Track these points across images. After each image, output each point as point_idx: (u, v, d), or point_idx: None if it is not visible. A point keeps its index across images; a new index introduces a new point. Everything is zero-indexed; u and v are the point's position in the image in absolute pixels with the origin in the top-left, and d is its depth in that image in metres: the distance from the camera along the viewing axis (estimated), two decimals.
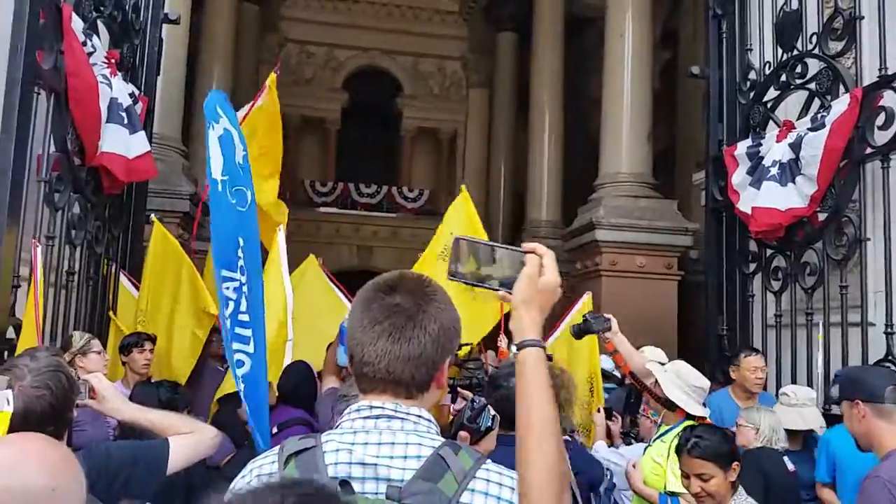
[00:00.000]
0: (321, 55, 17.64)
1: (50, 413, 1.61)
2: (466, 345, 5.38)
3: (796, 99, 4.77)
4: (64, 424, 1.68)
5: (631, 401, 5.88)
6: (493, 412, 1.70)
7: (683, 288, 8.61)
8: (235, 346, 2.87)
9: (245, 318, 2.84)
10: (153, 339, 4.21)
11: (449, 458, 1.16)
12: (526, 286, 1.25)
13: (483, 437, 1.67)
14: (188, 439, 2.00)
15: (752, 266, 4.98)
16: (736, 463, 2.51)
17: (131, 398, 3.35)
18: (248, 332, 2.85)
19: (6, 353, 2.91)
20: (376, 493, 1.15)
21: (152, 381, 4.12)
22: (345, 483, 1.12)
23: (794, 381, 4.47)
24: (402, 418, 1.21)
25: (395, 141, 18.15)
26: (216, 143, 2.86)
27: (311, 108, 17.33)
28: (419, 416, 1.22)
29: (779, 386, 4.61)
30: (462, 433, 1.45)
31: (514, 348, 1.26)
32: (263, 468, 1.22)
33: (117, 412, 2.09)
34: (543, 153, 12.50)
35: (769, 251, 4.84)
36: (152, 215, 4.86)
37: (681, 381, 3.15)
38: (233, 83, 12.03)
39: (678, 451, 2.61)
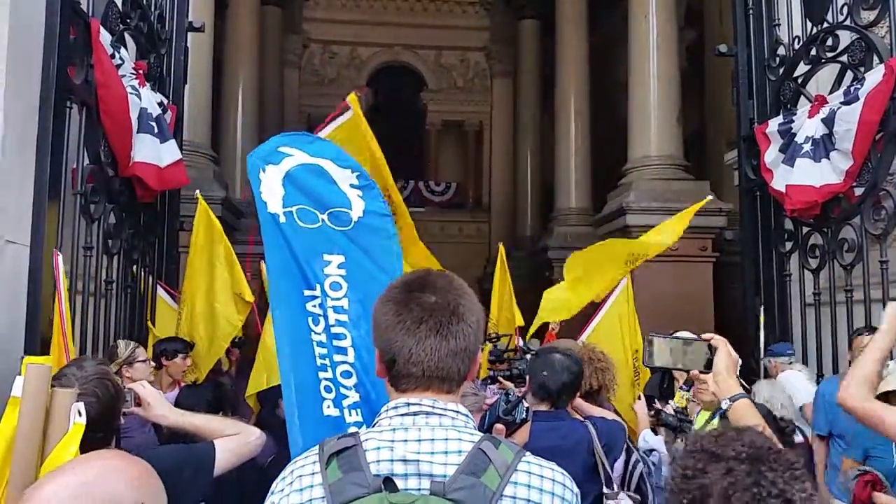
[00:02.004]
0: (344, 54, 17.72)
1: (98, 420, 1.66)
2: (506, 335, 5.40)
3: (828, 73, 4.67)
4: (112, 431, 1.73)
5: (664, 386, 5.86)
6: (527, 405, 1.70)
7: (719, 269, 8.50)
8: (337, 357, 2.87)
9: (340, 330, 2.83)
10: (192, 346, 4.32)
11: (490, 451, 1.18)
12: (726, 357, 1.69)
13: (518, 429, 1.67)
14: (233, 441, 2.03)
15: (789, 245, 4.90)
16: None
17: (178, 400, 3.43)
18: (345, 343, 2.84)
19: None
20: (419, 490, 1.16)
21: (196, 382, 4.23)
22: (388, 480, 1.13)
23: (834, 360, 4.41)
24: (441, 414, 1.23)
25: (421, 136, 18.17)
26: (277, 180, 2.88)
27: (335, 108, 17.43)
28: (456, 412, 1.25)
29: (818, 364, 4.55)
30: (497, 426, 1.46)
31: (726, 402, 1.66)
32: (305, 468, 1.21)
33: (163, 419, 2.13)
34: (570, 140, 12.41)
35: (805, 229, 4.76)
36: (196, 191, 5.00)
37: None
38: (258, 86, 12.14)
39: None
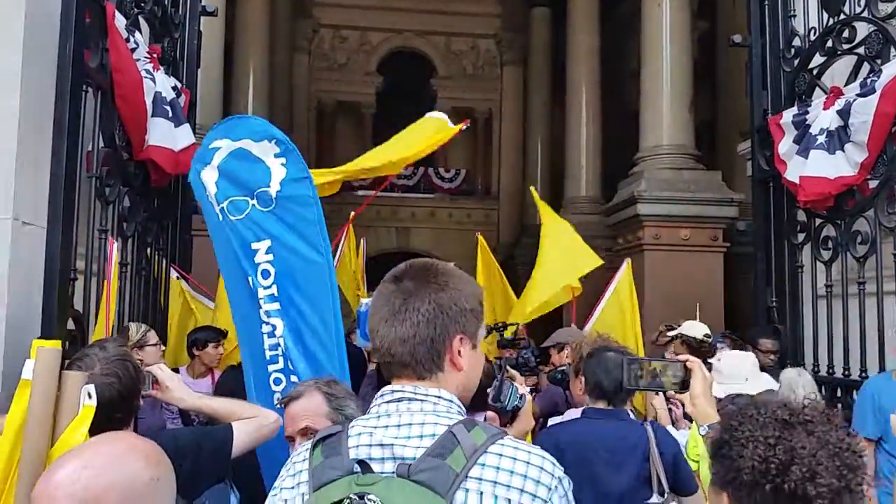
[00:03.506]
0: (354, 39, 17.67)
1: (118, 400, 1.68)
2: (512, 325, 5.41)
3: (843, 65, 4.64)
4: (131, 412, 1.75)
5: None
6: (521, 391, 1.64)
7: (730, 260, 8.49)
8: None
9: (275, 320, 2.74)
10: (225, 335, 4.37)
11: (460, 434, 1.17)
12: (702, 380, 1.73)
13: (515, 418, 1.58)
14: (250, 424, 2.06)
15: (801, 236, 4.88)
16: None
17: (220, 384, 3.45)
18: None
19: (67, 344, 3.01)
20: (393, 473, 1.17)
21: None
22: (363, 463, 1.16)
23: (845, 352, 4.40)
24: (422, 400, 1.25)
25: None
26: (212, 179, 2.84)
27: (346, 93, 17.42)
28: (438, 397, 1.25)
29: (829, 357, 4.54)
30: (489, 413, 1.41)
31: (704, 429, 1.69)
32: (299, 455, 1.27)
33: (181, 401, 2.16)
34: (581, 129, 12.36)
35: (818, 221, 4.74)
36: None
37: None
38: (269, 71, 12.13)
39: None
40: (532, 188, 6.90)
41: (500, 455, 1.16)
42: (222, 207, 2.80)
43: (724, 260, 8.46)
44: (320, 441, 1.24)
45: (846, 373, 4.41)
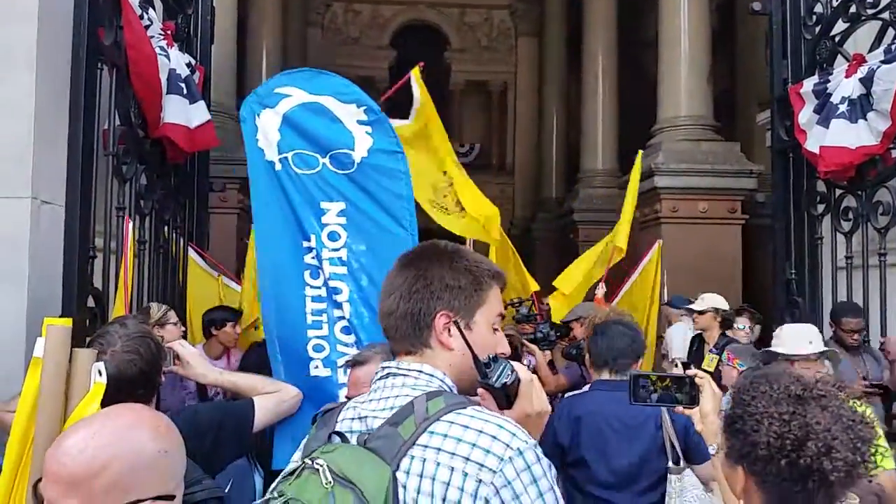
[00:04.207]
0: (367, 13, 17.53)
1: (140, 377, 1.70)
2: (528, 300, 5.41)
3: (866, 31, 4.54)
4: (153, 388, 1.77)
5: (694, 349, 5.86)
6: (511, 369, 1.38)
7: (748, 232, 8.41)
8: (337, 312, 2.63)
9: (337, 283, 2.59)
10: (241, 314, 4.41)
11: (417, 404, 1.19)
12: (711, 397, 1.67)
13: (515, 398, 1.33)
14: (271, 399, 2.09)
15: (821, 207, 4.82)
16: None
17: (246, 359, 3.48)
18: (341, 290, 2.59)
19: (87, 321, 3.05)
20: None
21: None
22: (340, 434, 1.22)
23: (866, 324, 4.37)
24: (404, 374, 1.27)
25: (445, 96, 18.00)
26: (273, 124, 2.71)
27: (359, 68, 17.27)
28: (420, 372, 1.26)
29: None
30: (480, 392, 1.29)
31: (713, 448, 1.61)
32: (310, 428, 1.36)
33: (202, 377, 2.19)
34: (597, 100, 12.23)
35: (839, 191, 4.68)
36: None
37: None
38: (282, 46, 12.08)
39: None
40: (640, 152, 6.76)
41: (452, 423, 1.15)
42: (285, 157, 2.66)
43: (743, 232, 8.38)
44: (320, 415, 1.32)
45: (866, 345, 4.38)
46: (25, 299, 2.83)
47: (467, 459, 1.11)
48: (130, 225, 3.04)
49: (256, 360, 3.33)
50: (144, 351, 1.71)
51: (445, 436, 1.13)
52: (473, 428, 1.14)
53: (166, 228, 4.26)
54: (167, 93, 3.81)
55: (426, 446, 1.13)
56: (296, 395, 2.16)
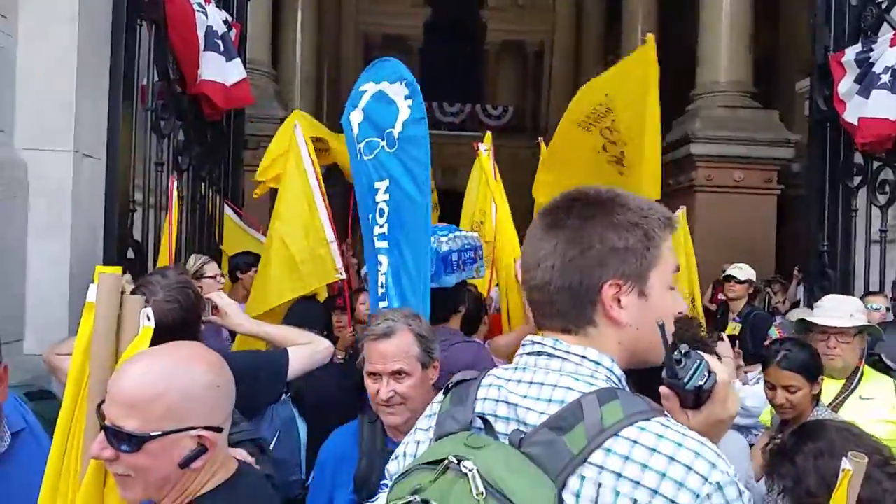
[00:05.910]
0: None
1: (180, 325, 1.78)
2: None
3: None
4: (194, 336, 1.86)
5: (718, 317, 5.86)
6: (708, 368, 1.09)
7: (784, 202, 8.30)
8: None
9: (382, 258, 2.80)
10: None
11: (588, 407, 0.96)
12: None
13: (704, 402, 1.06)
14: (304, 350, 2.17)
15: (857, 179, 4.74)
16: (821, 377, 2.53)
17: (290, 313, 3.55)
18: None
19: (126, 272, 3.17)
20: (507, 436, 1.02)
21: None
22: (486, 421, 1.04)
23: None
24: (563, 358, 1.05)
25: (480, 56, 17.80)
26: (357, 121, 2.88)
27: (393, 26, 17.14)
28: (583, 357, 1.04)
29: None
30: (663, 390, 1.05)
31: None
32: (440, 396, 1.17)
33: (239, 326, 2.28)
34: None
35: (876, 164, 4.59)
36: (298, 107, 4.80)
37: None
38: (317, 4, 12.03)
39: (766, 362, 2.63)
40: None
41: (635, 442, 0.93)
42: (360, 147, 2.87)
43: (779, 202, 8.27)
44: (454, 386, 1.12)
45: None
46: (69, 249, 2.94)
47: (655, 492, 0.90)
48: (175, 184, 3.15)
49: (302, 314, 3.45)
50: (184, 300, 1.79)
51: (627, 458, 0.92)
52: (663, 453, 0.91)
53: (203, 185, 4.35)
54: (204, 49, 3.86)
55: (602, 468, 0.92)
56: (328, 347, 2.25)
